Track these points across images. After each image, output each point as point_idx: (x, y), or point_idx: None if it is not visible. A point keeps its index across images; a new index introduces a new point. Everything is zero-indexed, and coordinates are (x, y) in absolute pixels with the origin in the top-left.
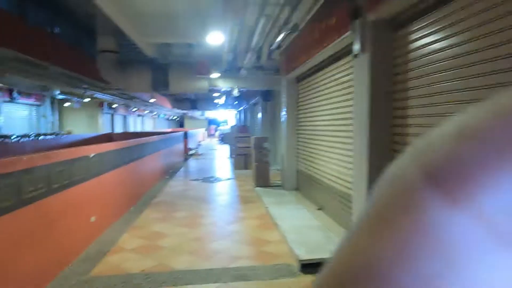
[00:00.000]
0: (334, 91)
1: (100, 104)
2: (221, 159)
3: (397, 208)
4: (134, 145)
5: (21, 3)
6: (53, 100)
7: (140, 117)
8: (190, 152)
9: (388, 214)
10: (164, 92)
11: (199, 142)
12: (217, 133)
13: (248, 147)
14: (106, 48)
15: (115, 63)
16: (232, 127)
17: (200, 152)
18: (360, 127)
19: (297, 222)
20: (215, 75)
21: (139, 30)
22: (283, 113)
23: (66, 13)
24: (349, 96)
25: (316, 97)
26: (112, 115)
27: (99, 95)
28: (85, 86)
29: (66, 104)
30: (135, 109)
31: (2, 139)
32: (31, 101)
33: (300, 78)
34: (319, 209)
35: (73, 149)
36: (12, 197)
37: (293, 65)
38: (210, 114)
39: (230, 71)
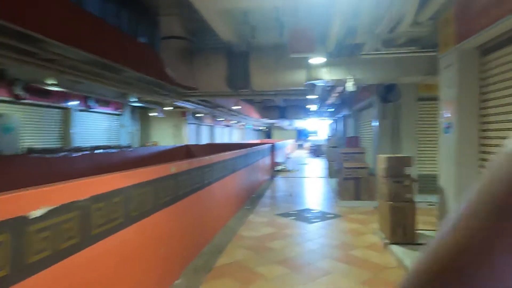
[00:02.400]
0: None
1: (183, 113)
2: (315, 180)
3: None
4: (194, 168)
5: None
6: (133, 109)
7: (228, 128)
8: (278, 168)
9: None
10: (243, 93)
11: (288, 155)
12: (307, 145)
13: (360, 168)
14: (169, 34)
15: (181, 52)
16: (329, 138)
17: (289, 168)
18: None
19: None
20: (317, 60)
21: None
22: (446, 115)
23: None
24: None
25: None
26: (198, 126)
27: (179, 103)
28: (160, 91)
29: (152, 114)
30: (221, 119)
31: (43, 154)
32: (109, 110)
33: (495, 47)
34: None
35: None
36: None
37: (482, 20)
38: (299, 124)
39: (340, 57)
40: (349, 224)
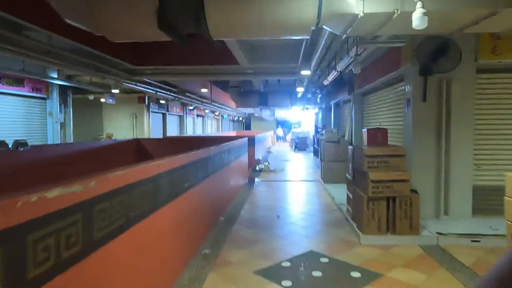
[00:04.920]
0: None
1: (140, 99)
2: (307, 185)
3: None
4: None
5: None
6: (63, 91)
7: (201, 118)
8: (258, 166)
9: None
10: (211, 71)
11: (269, 148)
12: (288, 137)
13: (399, 181)
14: None
15: None
16: (323, 129)
17: (272, 167)
18: None
19: None
20: None
21: None
22: None
23: None
24: None
25: None
26: (164, 115)
27: (129, 84)
28: (97, 65)
29: (94, 98)
30: (191, 107)
31: None
32: (24, 91)
33: None
34: None
35: None
36: None
37: None
38: (280, 114)
39: None
40: None
